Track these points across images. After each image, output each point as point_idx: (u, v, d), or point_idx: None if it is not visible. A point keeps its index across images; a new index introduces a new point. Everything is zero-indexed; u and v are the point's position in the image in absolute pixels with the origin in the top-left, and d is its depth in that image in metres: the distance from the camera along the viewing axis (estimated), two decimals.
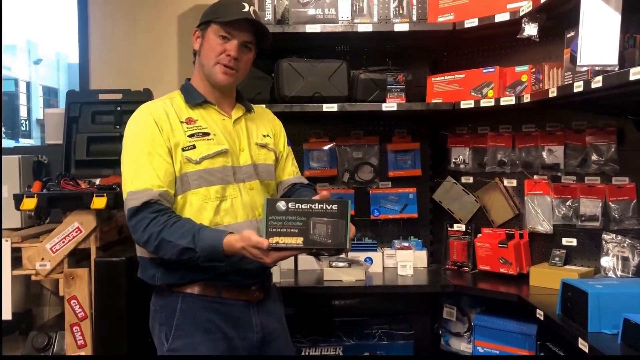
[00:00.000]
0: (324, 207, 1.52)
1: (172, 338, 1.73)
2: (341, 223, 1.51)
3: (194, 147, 1.74)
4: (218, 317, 1.75)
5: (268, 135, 1.97)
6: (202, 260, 1.61)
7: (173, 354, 1.72)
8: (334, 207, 1.52)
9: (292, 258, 2.83)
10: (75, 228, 2.37)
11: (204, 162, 1.75)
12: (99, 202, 2.32)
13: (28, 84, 19.52)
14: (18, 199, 2.35)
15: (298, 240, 1.52)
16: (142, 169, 1.68)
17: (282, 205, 1.52)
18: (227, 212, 1.76)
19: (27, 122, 18.53)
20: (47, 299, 2.98)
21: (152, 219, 1.63)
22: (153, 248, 1.64)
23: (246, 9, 1.77)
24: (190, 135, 1.76)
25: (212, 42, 1.79)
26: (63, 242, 2.37)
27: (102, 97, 3.07)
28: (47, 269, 2.37)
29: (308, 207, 1.51)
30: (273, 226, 1.52)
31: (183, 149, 1.73)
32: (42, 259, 2.37)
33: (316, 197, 1.64)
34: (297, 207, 1.51)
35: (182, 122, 1.77)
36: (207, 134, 1.78)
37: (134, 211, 1.64)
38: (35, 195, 2.35)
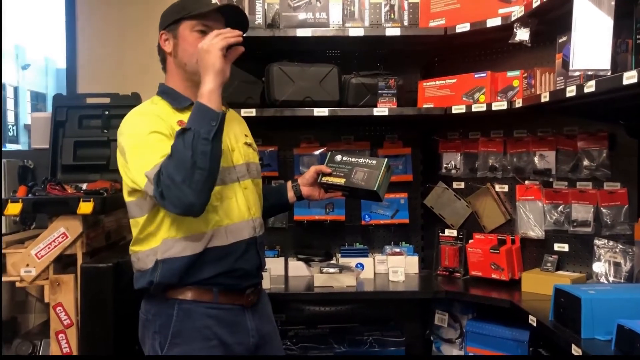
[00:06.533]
0: (366, 162, 1.93)
1: (169, 346, 1.68)
2: (375, 173, 1.88)
3: None
4: (214, 323, 1.71)
5: (247, 135, 1.95)
6: (204, 130, 1.53)
7: None
8: (373, 162, 1.93)
9: (283, 264, 2.83)
10: (61, 234, 2.33)
11: None
12: (86, 207, 2.28)
13: (16, 89, 19.37)
14: (2, 204, 2.30)
15: (341, 181, 1.94)
16: (157, 145, 1.60)
17: (338, 157, 1.97)
18: (225, 212, 1.71)
19: (14, 128, 18.38)
20: (32, 306, 2.93)
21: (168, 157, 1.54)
22: (190, 157, 1.51)
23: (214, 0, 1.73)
24: None
25: (190, 39, 1.73)
26: (49, 247, 2.33)
27: (89, 101, 3.04)
28: (32, 276, 2.33)
29: (355, 160, 1.94)
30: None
31: None
32: (27, 265, 2.33)
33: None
34: (347, 159, 1.95)
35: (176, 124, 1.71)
36: None
37: (157, 171, 1.53)
38: (20, 200, 2.31)
